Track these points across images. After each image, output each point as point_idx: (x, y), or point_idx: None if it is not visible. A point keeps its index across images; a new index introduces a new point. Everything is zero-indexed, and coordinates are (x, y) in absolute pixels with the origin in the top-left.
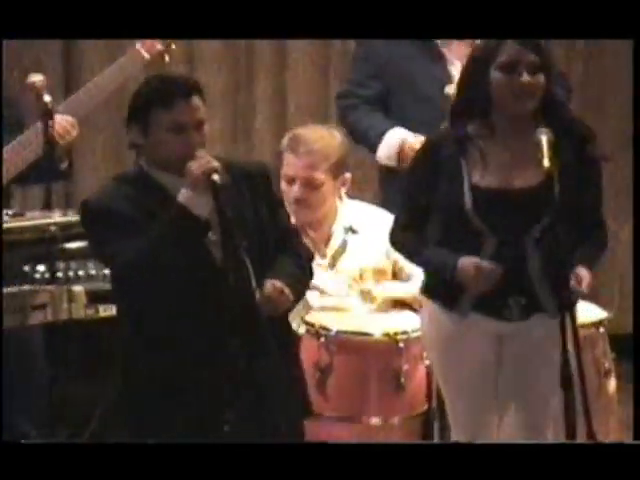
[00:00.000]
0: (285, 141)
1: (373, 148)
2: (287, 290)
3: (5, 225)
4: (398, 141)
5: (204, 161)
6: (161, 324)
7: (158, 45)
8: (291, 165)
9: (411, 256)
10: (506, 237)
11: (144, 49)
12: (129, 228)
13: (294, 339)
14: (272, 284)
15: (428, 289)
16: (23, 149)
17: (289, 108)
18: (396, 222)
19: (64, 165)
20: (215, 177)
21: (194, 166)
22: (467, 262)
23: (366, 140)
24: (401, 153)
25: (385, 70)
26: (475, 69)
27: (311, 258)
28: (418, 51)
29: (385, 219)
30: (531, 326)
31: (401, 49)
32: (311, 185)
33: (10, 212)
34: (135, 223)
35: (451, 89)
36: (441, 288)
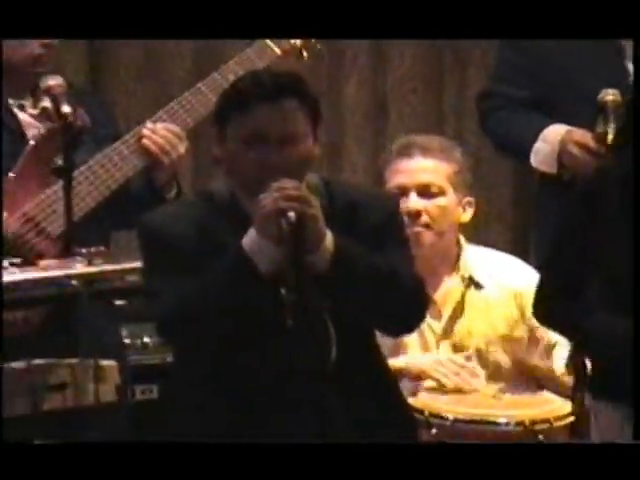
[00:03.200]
0: (393, 148)
1: (525, 152)
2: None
3: (9, 278)
4: (559, 136)
5: (279, 194)
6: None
7: (294, 39)
8: (401, 171)
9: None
10: None
11: (274, 42)
12: (193, 263)
13: None
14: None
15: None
16: (112, 166)
17: (389, 120)
18: (548, 283)
19: (171, 193)
20: (289, 215)
21: (266, 199)
22: None
23: (515, 142)
24: (563, 152)
25: (543, 65)
26: None
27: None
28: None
29: (519, 270)
30: None
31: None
32: (430, 193)
33: (17, 261)
34: (203, 258)
35: (611, 95)
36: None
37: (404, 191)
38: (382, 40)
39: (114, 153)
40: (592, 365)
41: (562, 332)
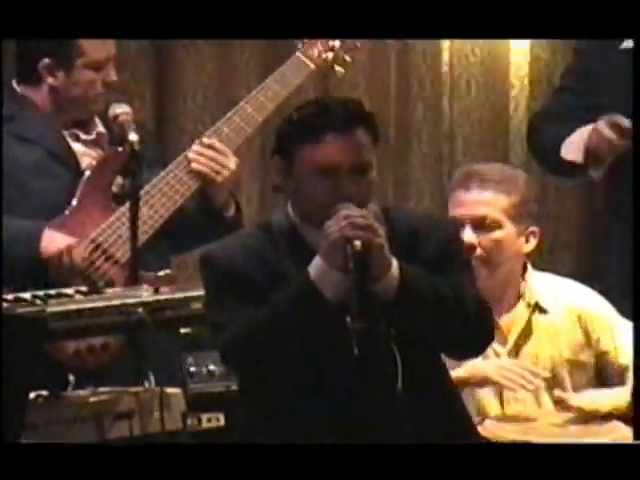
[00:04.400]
0: (454, 178)
1: (559, 152)
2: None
3: (75, 306)
4: (592, 125)
5: (346, 222)
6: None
7: (325, 53)
8: (459, 203)
9: None
10: None
11: (307, 58)
12: (256, 293)
13: None
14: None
15: None
16: (169, 190)
17: (456, 147)
18: None
19: (230, 211)
20: (355, 243)
21: (331, 227)
22: None
23: (553, 143)
24: (593, 133)
25: (599, 86)
26: None
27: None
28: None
29: (584, 294)
30: None
31: (620, 60)
32: (484, 226)
33: (83, 289)
34: (265, 287)
35: None
36: None
37: (460, 223)
38: (449, 68)
39: (170, 176)
40: None
41: None
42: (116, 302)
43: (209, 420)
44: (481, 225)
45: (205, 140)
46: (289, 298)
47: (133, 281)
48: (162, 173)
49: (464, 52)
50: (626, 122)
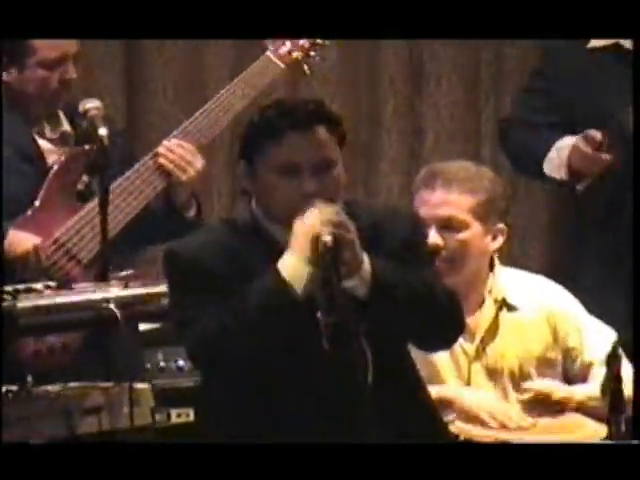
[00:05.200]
0: (418, 177)
1: (539, 163)
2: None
3: (45, 302)
4: (572, 141)
5: (313, 219)
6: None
7: (294, 53)
8: (424, 203)
9: None
10: None
11: (276, 57)
12: (222, 289)
13: None
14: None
15: None
16: (134, 189)
17: (426, 143)
18: None
19: (191, 212)
20: (326, 239)
21: (299, 226)
22: None
23: (530, 155)
24: (573, 152)
25: (566, 85)
26: None
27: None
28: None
29: (552, 291)
30: None
31: (596, 78)
32: (450, 227)
33: (52, 284)
34: (231, 284)
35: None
36: None
37: (425, 223)
38: (420, 64)
39: (135, 176)
40: None
41: None
42: (86, 297)
43: (178, 415)
44: (447, 226)
45: (174, 140)
46: (259, 292)
47: (102, 278)
48: (128, 172)
49: (435, 48)
50: (599, 135)
